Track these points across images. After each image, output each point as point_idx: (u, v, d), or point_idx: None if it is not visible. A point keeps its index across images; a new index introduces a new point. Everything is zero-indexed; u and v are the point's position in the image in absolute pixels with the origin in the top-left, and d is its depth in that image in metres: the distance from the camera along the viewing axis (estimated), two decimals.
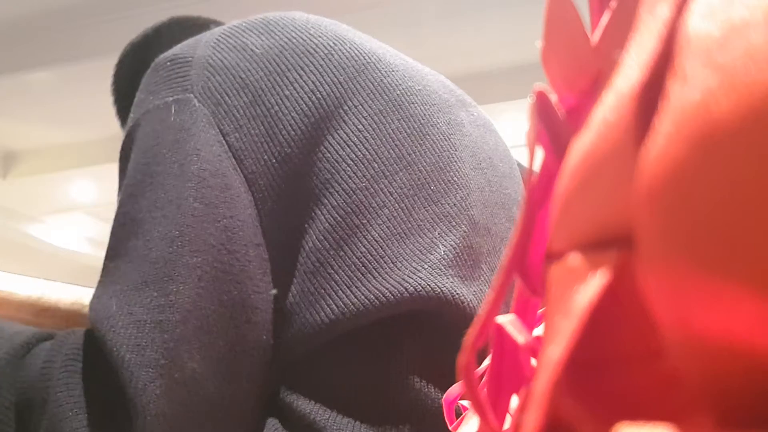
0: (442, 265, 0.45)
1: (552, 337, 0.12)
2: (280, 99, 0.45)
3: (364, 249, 0.44)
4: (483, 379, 0.17)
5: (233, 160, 0.43)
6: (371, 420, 0.43)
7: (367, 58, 0.48)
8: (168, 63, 0.47)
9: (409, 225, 0.45)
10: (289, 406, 0.44)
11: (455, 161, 0.49)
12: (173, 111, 0.44)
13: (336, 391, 0.44)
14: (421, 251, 0.45)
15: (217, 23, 0.94)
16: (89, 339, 0.42)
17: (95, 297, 0.43)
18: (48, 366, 0.42)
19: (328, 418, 0.43)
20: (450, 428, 0.23)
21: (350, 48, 0.48)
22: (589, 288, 0.11)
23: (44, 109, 3.48)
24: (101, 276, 0.44)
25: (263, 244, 0.43)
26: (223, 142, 0.43)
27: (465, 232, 0.47)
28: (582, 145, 0.12)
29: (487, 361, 0.18)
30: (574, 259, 0.12)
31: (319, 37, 0.48)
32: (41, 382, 0.41)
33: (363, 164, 0.45)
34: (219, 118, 0.44)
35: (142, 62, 0.94)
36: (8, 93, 3.24)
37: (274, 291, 0.43)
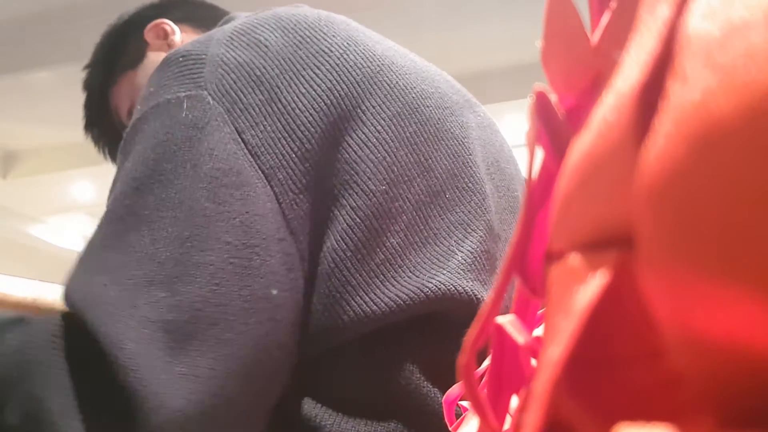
0: (461, 269, 0.44)
1: (552, 337, 0.12)
2: (297, 96, 0.44)
3: (382, 256, 0.43)
4: (483, 379, 0.17)
5: (249, 156, 0.42)
6: (377, 422, 0.43)
7: (380, 61, 0.48)
8: (180, 59, 0.47)
9: (426, 234, 0.45)
10: (294, 408, 0.44)
11: (470, 166, 0.49)
12: (185, 107, 0.43)
13: (342, 393, 0.44)
14: (438, 259, 0.44)
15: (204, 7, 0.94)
16: (70, 321, 0.39)
17: (78, 278, 0.40)
18: (25, 344, 0.39)
19: (333, 422, 0.43)
20: (450, 428, 0.23)
21: (363, 50, 0.48)
22: (589, 288, 0.11)
23: (44, 109, 3.48)
24: (84, 259, 0.41)
25: (288, 239, 0.42)
26: (239, 139, 0.42)
27: (482, 237, 0.47)
28: (582, 145, 0.12)
29: (487, 361, 0.18)
30: (574, 259, 0.12)
31: (333, 37, 0.48)
32: (17, 357, 0.38)
33: (383, 166, 0.44)
34: (234, 116, 0.43)
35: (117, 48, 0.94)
36: (8, 93, 3.24)
37: (298, 296, 0.42)
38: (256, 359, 0.39)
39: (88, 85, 0.98)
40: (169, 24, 0.89)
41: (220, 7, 0.94)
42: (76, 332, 0.39)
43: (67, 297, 0.39)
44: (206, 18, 0.87)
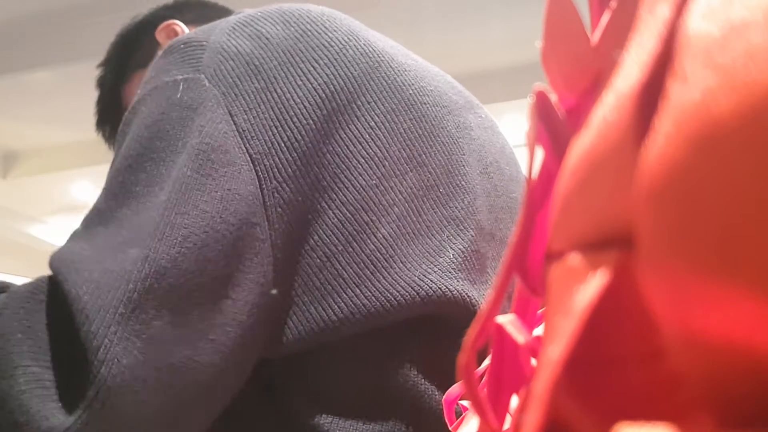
0: (452, 268, 0.45)
1: (552, 337, 0.12)
2: (293, 87, 0.44)
3: (373, 247, 0.43)
4: (483, 379, 0.17)
5: (239, 138, 0.43)
6: (374, 422, 0.43)
7: (380, 56, 0.48)
8: (182, 46, 0.47)
9: (419, 226, 0.45)
10: (290, 408, 0.44)
11: (463, 165, 0.49)
12: (181, 88, 0.44)
13: (339, 393, 0.44)
14: (430, 253, 0.45)
15: (214, 7, 0.96)
16: (51, 281, 0.40)
17: (64, 246, 0.41)
18: (6, 296, 0.40)
19: (331, 422, 0.43)
20: (450, 428, 0.23)
21: (364, 45, 0.48)
22: (589, 288, 0.11)
23: (44, 109, 3.48)
24: (75, 232, 0.42)
25: (262, 224, 0.42)
26: (231, 121, 0.43)
27: (472, 236, 0.47)
28: (582, 145, 0.12)
29: (487, 361, 0.18)
30: (574, 259, 0.12)
31: (334, 31, 0.48)
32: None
33: (374, 162, 0.44)
34: (229, 100, 0.43)
35: (128, 53, 0.95)
36: (8, 93, 3.24)
37: (263, 280, 0.42)
38: (206, 333, 0.39)
39: (101, 84, 0.99)
40: (179, 25, 0.90)
41: (230, 8, 0.95)
42: (53, 290, 0.39)
43: (50, 261, 0.40)
44: (217, 19, 0.88)
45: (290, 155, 0.43)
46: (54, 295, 0.39)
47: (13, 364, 0.36)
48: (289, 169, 0.43)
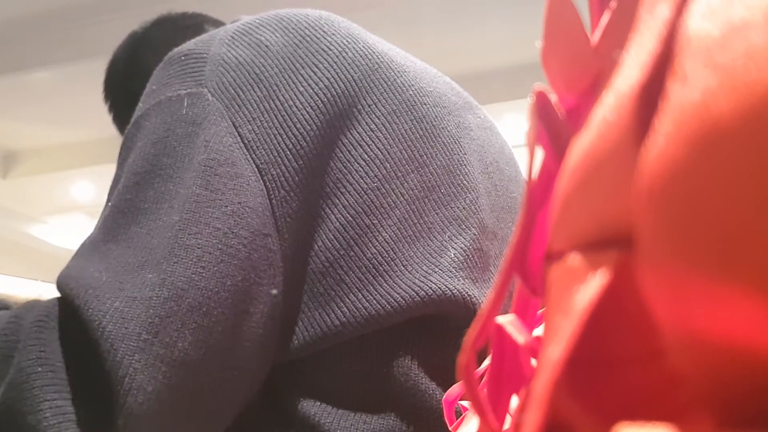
0: (453, 268, 0.45)
1: (552, 337, 0.12)
2: (295, 94, 0.44)
3: (374, 250, 0.43)
4: (483, 379, 0.17)
5: (245, 150, 0.43)
6: (375, 420, 0.43)
7: (379, 58, 0.48)
8: (182, 57, 0.47)
9: (420, 227, 0.45)
10: (292, 407, 0.44)
11: (464, 165, 0.49)
12: (186, 104, 0.44)
13: (340, 391, 0.44)
14: (431, 254, 0.45)
15: (208, 19, 0.95)
16: (62, 306, 0.40)
17: (74, 266, 0.41)
18: (14, 322, 0.40)
19: (332, 421, 0.43)
20: (450, 428, 0.23)
21: (363, 47, 0.48)
22: (589, 288, 0.11)
23: (44, 109, 3.48)
24: (83, 249, 0.42)
25: (273, 235, 0.42)
26: (235, 133, 0.43)
27: (475, 235, 0.47)
28: (582, 145, 0.12)
29: (487, 361, 0.18)
30: (574, 259, 0.12)
31: (333, 35, 0.48)
32: (5, 335, 0.39)
33: (375, 164, 0.44)
34: (232, 112, 0.43)
35: (132, 62, 0.95)
36: (8, 93, 3.24)
37: (275, 291, 0.42)
38: (228, 349, 0.40)
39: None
40: None
41: (208, 16, 0.95)
42: (67, 316, 0.39)
43: (59, 284, 0.40)
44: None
45: (296, 163, 0.43)
46: (67, 320, 0.39)
47: (37, 399, 0.37)
48: (296, 177, 0.43)
